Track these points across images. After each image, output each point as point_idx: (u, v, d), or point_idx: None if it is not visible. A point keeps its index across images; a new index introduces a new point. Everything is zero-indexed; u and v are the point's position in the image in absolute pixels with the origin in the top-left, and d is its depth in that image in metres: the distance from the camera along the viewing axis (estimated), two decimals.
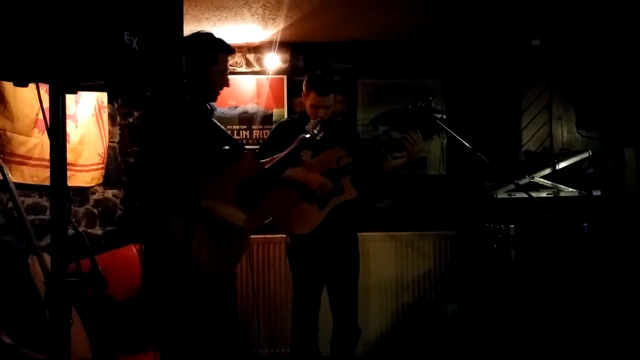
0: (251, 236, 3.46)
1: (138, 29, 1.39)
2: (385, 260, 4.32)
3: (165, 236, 2.33)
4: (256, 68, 4.49)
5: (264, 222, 2.74)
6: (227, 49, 2.58)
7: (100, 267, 3.22)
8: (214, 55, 2.50)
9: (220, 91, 2.58)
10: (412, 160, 3.11)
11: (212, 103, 2.69)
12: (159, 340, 2.54)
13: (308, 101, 3.18)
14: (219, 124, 2.70)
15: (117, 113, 4.23)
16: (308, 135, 2.80)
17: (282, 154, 2.81)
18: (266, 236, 4.18)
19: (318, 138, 2.82)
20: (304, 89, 3.22)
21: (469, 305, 4.25)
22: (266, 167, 2.74)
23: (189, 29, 3.87)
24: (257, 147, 3.98)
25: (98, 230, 3.89)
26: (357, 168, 3.10)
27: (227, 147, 2.62)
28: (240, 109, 4.47)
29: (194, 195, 2.34)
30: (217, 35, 4.07)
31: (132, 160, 4.31)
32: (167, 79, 1.53)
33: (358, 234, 3.37)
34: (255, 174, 2.65)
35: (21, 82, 1.38)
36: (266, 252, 4.29)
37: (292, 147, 2.82)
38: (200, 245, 2.36)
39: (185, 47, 2.32)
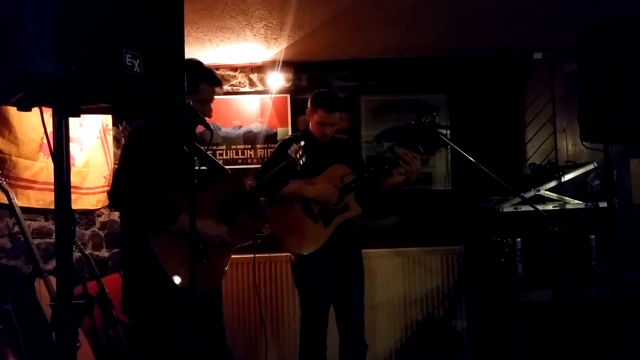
0: (256, 255, 3.47)
1: (139, 51, 1.40)
2: (393, 276, 4.30)
3: (144, 257, 2.29)
4: (259, 88, 4.52)
5: (247, 242, 2.71)
6: (212, 80, 2.53)
7: (107, 290, 3.23)
8: (195, 84, 2.44)
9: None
10: (410, 179, 3.11)
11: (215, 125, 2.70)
12: None
13: (315, 119, 3.19)
14: (199, 146, 2.71)
15: (122, 136, 4.26)
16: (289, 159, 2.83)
17: (266, 176, 2.83)
18: (271, 255, 4.17)
19: (301, 162, 2.85)
20: (309, 106, 3.24)
21: (478, 321, 4.21)
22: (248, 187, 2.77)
23: (192, 51, 3.96)
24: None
25: (105, 253, 3.90)
26: (360, 185, 3.10)
27: (204, 168, 2.63)
28: (244, 129, 4.49)
29: (171, 212, 2.31)
30: (219, 55, 4.11)
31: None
32: (170, 101, 1.55)
33: (365, 250, 3.37)
34: (237, 193, 2.66)
35: (25, 107, 1.40)
36: (272, 270, 4.27)
37: (276, 169, 2.84)
38: (179, 264, 2.30)
39: None
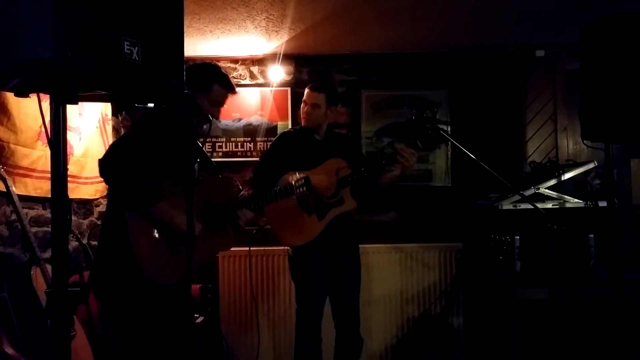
0: (251, 248, 3.47)
1: (138, 38, 1.39)
2: (390, 272, 4.29)
3: (118, 239, 2.29)
4: (260, 80, 4.50)
5: (223, 250, 2.67)
6: (226, 85, 2.59)
7: None
8: (209, 84, 2.54)
9: None
10: (404, 174, 3.10)
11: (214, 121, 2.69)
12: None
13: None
14: (200, 146, 2.68)
15: (122, 126, 4.25)
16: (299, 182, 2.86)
17: (260, 196, 2.84)
18: (267, 248, 4.15)
19: (299, 191, 2.87)
20: None
21: (474, 318, 4.21)
22: (240, 198, 2.71)
23: (193, 42, 3.95)
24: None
25: None
26: (356, 179, 3.09)
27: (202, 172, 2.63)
28: (244, 122, 4.47)
29: (153, 195, 2.31)
30: (220, 47, 4.11)
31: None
32: (168, 89, 1.53)
33: (363, 245, 3.36)
34: (226, 199, 2.63)
35: (22, 93, 1.38)
36: (267, 263, 4.25)
37: (271, 193, 2.87)
38: (149, 251, 2.32)
39: (188, 71, 2.33)
